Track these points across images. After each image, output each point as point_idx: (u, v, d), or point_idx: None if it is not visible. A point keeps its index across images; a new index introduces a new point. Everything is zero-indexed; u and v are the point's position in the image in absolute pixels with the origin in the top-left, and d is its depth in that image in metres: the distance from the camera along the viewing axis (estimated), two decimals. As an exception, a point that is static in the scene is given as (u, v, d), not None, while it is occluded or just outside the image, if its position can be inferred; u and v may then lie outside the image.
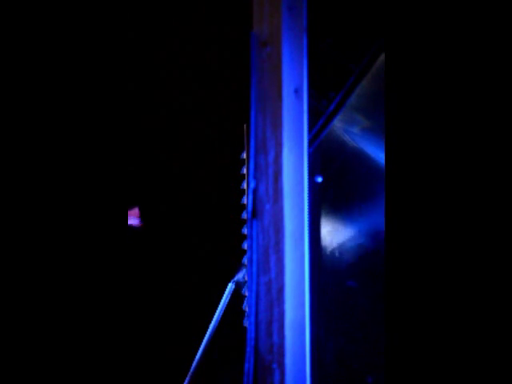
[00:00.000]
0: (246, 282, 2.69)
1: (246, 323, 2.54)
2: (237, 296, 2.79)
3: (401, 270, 1.77)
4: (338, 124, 2.24)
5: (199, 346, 2.80)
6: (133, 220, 3.17)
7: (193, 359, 2.80)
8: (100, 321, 1.84)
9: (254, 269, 1.88)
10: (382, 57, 2.14)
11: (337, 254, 2.27)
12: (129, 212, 3.14)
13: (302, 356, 1.88)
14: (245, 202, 2.68)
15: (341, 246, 2.28)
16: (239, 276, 2.78)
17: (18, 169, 1.80)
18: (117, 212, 1.88)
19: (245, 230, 2.63)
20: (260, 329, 1.87)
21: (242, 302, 2.68)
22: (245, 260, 2.66)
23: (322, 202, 2.23)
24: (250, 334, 1.88)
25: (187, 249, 3.20)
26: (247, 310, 2.49)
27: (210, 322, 2.80)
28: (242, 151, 2.66)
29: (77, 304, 1.82)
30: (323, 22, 2.17)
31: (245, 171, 2.68)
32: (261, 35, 1.88)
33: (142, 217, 3.22)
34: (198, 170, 3.19)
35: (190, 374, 2.79)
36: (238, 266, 2.73)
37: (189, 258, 3.19)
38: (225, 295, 2.80)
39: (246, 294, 2.62)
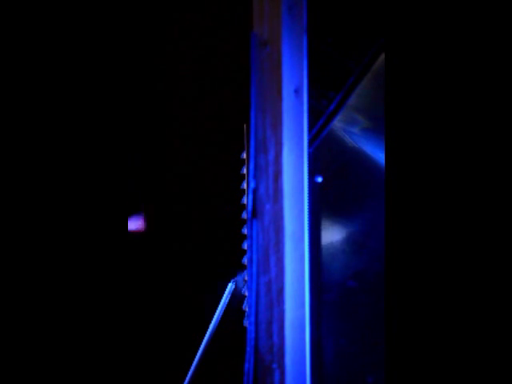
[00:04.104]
0: (246, 281, 2.69)
1: (245, 323, 2.54)
2: (237, 296, 2.78)
3: (401, 270, 1.77)
4: (337, 124, 2.24)
5: (199, 346, 2.80)
6: (134, 224, 3.17)
7: (193, 359, 2.80)
8: (100, 320, 1.83)
9: (254, 269, 1.88)
10: (382, 57, 2.14)
11: (337, 254, 2.27)
12: (131, 217, 3.14)
13: (302, 356, 1.88)
14: (245, 202, 2.68)
15: (341, 246, 2.27)
16: (239, 276, 2.78)
17: (21, 170, 1.80)
18: (117, 211, 1.88)
19: (245, 230, 2.63)
20: (260, 329, 1.87)
21: (242, 302, 2.68)
22: (245, 260, 2.66)
23: (322, 202, 2.23)
24: (250, 334, 1.88)
25: (187, 248, 3.19)
26: (247, 310, 2.49)
27: (210, 322, 2.80)
28: (242, 151, 2.65)
29: (77, 302, 1.82)
30: (323, 21, 2.17)
31: (245, 171, 2.67)
32: (261, 35, 1.88)
33: (143, 218, 3.21)
34: (198, 169, 3.19)
35: (189, 373, 2.79)
36: (238, 266, 2.73)
37: (188, 258, 3.19)
38: (225, 295, 2.80)
39: (246, 293, 2.62)
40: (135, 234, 3.16)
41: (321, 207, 2.22)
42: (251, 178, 1.90)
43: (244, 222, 2.64)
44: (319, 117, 2.21)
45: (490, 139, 1.70)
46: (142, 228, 3.22)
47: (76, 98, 1.85)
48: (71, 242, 1.82)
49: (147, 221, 3.25)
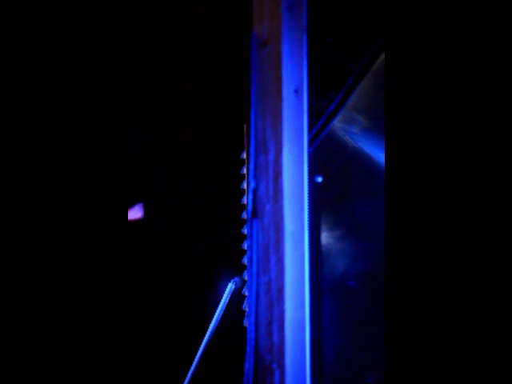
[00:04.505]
0: (246, 281, 2.69)
1: (245, 323, 2.54)
2: (237, 296, 2.79)
3: (401, 270, 1.77)
4: (337, 124, 2.24)
5: (199, 346, 2.80)
6: (134, 214, 3.17)
7: (193, 359, 2.80)
8: (99, 320, 1.83)
9: (254, 269, 1.88)
10: (382, 57, 2.14)
11: (337, 254, 2.27)
12: (130, 208, 3.14)
13: (302, 356, 1.88)
14: (245, 202, 2.68)
15: (341, 246, 2.28)
16: (239, 276, 2.78)
17: (20, 164, 1.80)
18: (117, 211, 1.87)
19: (245, 230, 2.63)
20: (260, 329, 1.87)
21: (242, 302, 2.68)
22: (245, 260, 2.66)
23: (322, 201, 2.23)
24: (250, 334, 1.88)
25: (187, 249, 3.19)
26: (247, 310, 2.49)
27: (210, 322, 2.80)
28: (242, 151, 2.66)
29: (76, 302, 1.82)
30: (323, 21, 2.17)
31: (245, 171, 2.68)
32: (261, 35, 1.88)
33: (142, 215, 3.22)
34: (198, 169, 3.19)
35: (189, 373, 2.79)
36: (238, 266, 2.73)
37: (189, 258, 3.19)
38: (225, 295, 2.80)
39: (246, 293, 2.62)
40: (135, 234, 3.16)
41: (321, 207, 2.22)
42: (251, 178, 1.90)
43: (244, 221, 2.64)
44: (319, 117, 2.21)
45: (490, 139, 1.70)
46: (141, 229, 3.22)
47: (77, 99, 1.85)
48: (71, 239, 1.82)
49: (147, 222, 3.25)
